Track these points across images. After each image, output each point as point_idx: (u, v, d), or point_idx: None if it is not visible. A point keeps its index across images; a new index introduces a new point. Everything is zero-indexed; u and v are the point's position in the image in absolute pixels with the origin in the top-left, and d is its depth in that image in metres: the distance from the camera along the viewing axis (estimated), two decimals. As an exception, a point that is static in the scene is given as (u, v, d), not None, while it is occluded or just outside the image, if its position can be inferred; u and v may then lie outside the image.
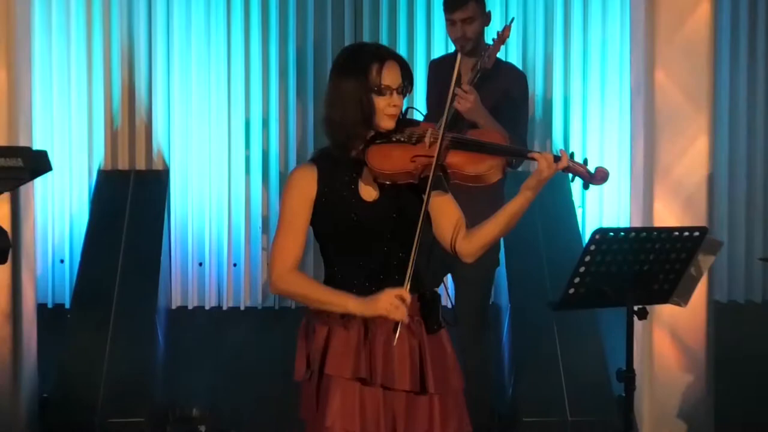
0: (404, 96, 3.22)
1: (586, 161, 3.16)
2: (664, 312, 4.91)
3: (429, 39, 6.33)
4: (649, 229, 4.07)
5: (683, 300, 3.95)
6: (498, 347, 5.79)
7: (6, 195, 4.79)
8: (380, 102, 3.18)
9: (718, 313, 5.36)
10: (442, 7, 4.86)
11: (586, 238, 4.67)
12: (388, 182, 3.18)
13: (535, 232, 5.81)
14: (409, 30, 6.34)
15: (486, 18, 4.83)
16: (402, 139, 3.21)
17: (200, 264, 6.30)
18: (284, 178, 6.21)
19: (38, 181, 5.58)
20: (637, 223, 5.26)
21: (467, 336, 4.69)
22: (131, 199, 6.04)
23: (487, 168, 3.16)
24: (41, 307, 5.69)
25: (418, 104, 5.26)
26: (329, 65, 6.19)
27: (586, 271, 3.72)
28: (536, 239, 5.79)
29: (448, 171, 3.17)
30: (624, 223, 6.10)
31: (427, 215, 3.19)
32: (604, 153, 6.32)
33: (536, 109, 6.32)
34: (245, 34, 6.30)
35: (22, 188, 4.85)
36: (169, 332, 5.99)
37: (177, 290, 6.28)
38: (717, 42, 5.33)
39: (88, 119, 6.23)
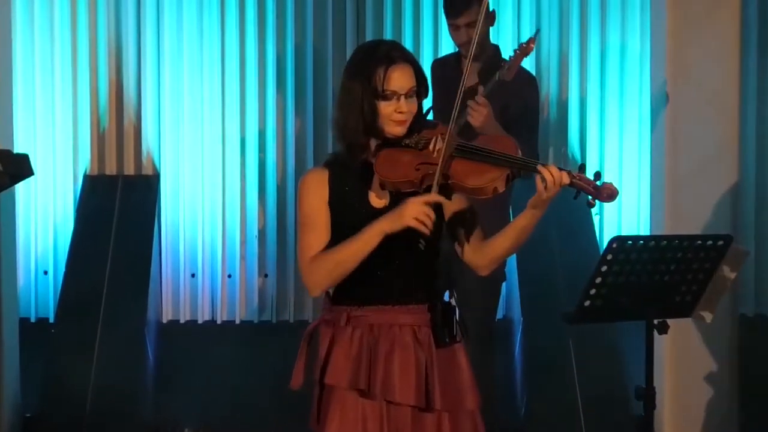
0: (419, 100, 3.21)
1: (598, 174, 3.09)
2: (687, 326, 4.87)
3: (436, 39, 6.27)
4: (671, 238, 3.98)
5: (707, 313, 3.94)
6: (510, 363, 5.78)
7: (-16, 202, 4.75)
8: (386, 108, 3.17)
9: (745, 327, 5.38)
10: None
11: (603, 246, 4.60)
12: (392, 191, 3.18)
13: (549, 240, 5.81)
14: (414, 31, 6.30)
15: (490, 18, 4.80)
16: (410, 144, 3.20)
17: (192, 275, 6.23)
18: (282, 180, 6.22)
19: (19, 187, 5.52)
20: (658, 231, 5.19)
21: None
22: (119, 206, 6.01)
23: (488, 181, 3.12)
24: (24, 321, 5.72)
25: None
26: (330, 65, 6.26)
27: (603, 282, 3.71)
28: (550, 247, 5.80)
29: (450, 182, 3.16)
30: (644, 231, 6.07)
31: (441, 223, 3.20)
32: (624, 157, 6.29)
33: (550, 111, 6.30)
34: (240, 30, 6.24)
35: (3, 194, 4.74)
36: (160, 347, 5.95)
37: (168, 303, 6.22)
38: (744, 42, 5.30)
39: (72, 120, 6.17)
